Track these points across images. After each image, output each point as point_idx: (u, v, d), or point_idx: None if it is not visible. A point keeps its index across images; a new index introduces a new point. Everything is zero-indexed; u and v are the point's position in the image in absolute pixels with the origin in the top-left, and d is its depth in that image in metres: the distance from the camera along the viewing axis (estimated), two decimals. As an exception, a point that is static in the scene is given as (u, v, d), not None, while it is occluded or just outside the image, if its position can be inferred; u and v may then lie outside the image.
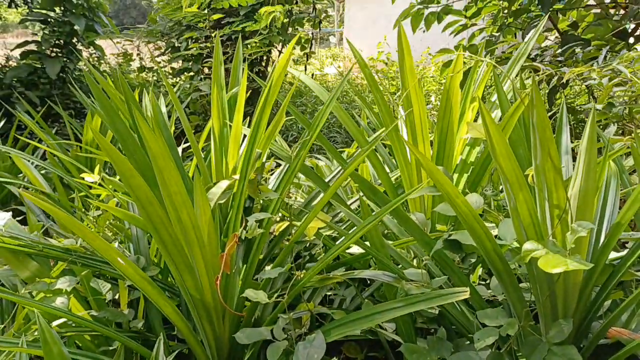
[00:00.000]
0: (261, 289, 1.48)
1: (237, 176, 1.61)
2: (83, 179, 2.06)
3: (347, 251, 1.73)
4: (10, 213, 1.58)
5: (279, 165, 2.44)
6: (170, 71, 5.06)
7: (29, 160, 2.83)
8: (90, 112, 3.13)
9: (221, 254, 1.31)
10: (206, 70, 4.69)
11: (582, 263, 0.95)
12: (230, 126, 1.98)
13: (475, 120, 1.65)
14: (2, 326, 1.42)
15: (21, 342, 1.28)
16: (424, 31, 4.47)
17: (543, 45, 3.75)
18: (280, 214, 1.61)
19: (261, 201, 1.75)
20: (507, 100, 1.52)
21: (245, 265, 1.48)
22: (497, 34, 4.14)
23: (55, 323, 1.41)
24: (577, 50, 2.53)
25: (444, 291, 1.16)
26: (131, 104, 1.63)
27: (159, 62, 5.16)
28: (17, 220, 2.12)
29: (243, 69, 2.19)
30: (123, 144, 1.50)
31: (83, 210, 2.04)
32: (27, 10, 6.10)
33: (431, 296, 1.15)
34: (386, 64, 7.56)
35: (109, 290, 1.76)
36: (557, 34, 3.57)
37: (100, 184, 2.15)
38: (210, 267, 1.36)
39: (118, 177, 2.58)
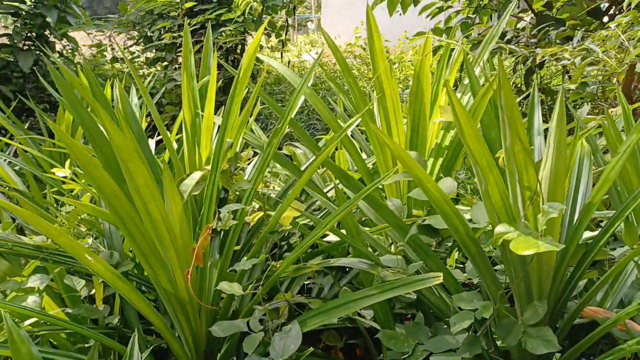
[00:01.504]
0: (237, 280, 1.47)
1: (209, 167, 1.59)
2: (54, 174, 2.01)
3: (325, 239, 1.72)
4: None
5: (257, 154, 2.42)
6: (144, 61, 4.98)
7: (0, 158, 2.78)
8: (62, 106, 3.07)
9: (192, 246, 1.29)
10: (180, 60, 4.62)
11: (553, 244, 0.95)
12: (202, 116, 1.95)
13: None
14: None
15: (-10, 344, 1.25)
16: (400, 14, 4.44)
17: (520, 26, 3.75)
18: (256, 205, 1.60)
19: (237, 192, 1.73)
20: (478, 83, 1.51)
21: (220, 258, 1.46)
22: (473, 16, 4.13)
23: (27, 322, 1.38)
24: (550, 30, 2.53)
25: (418, 277, 1.15)
26: (94, 97, 1.59)
27: (133, 52, 5.08)
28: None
29: (217, 57, 2.16)
30: (90, 138, 1.46)
31: (55, 206, 2.00)
32: (-3, 3, 5.95)
33: (406, 282, 1.15)
34: (364, 49, 7.53)
35: (83, 286, 1.73)
36: (532, 15, 3.57)
37: (72, 179, 2.11)
38: (183, 261, 1.34)
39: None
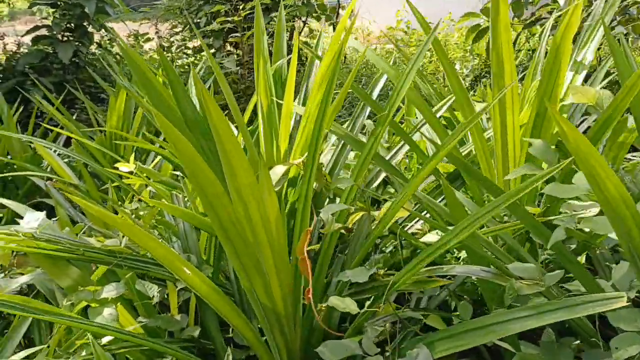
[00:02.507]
0: (337, 293, 1.29)
1: (298, 160, 1.41)
2: (116, 168, 1.86)
3: (423, 240, 1.53)
4: (44, 213, 1.39)
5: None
6: (192, 50, 4.82)
7: (51, 149, 2.65)
8: (114, 96, 2.92)
9: (302, 257, 1.11)
10: (228, 47, 4.44)
11: None
12: (279, 104, 1.77)
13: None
14: (45, 347, 1.24)
15: (70, 366, 1.10)
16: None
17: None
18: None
19: (322, 189, 1.55)
20: (629, 64, 1.28)
21: (315, 265, 1.29)
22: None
23: (104, 340, 1.23)
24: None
25: (592, 297, 0.94)
26: (172, 85, 1.42)
27: (180, 40, 4.92)
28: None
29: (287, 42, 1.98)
30: (166, 129, 1.29)
31: (119, 203, 1.85)
32: (35, -4, 5.86)
33: (572, 303, 0.94)
34: (406, 32, 7.27)
35: (157, 292, 1.58)
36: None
37: (132, 173, 1.96)
38: (281, 271, 1.16)
39: (152, 165, 2.38)
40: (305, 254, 1.10)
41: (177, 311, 1.60)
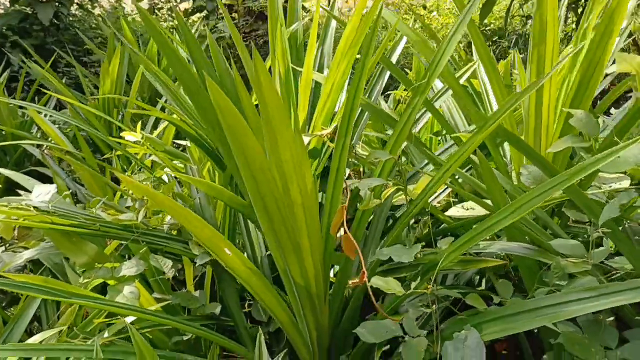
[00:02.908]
0: (372, 272, 1.23)
1: (327, 130, 1.34)
2: (122, 137, 1.76)
3: (448, 213, 1.48)
4: (55, 186, 1.30)
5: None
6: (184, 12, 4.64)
7: (42, 114, 2.52)
8: (107, 60, 2.79)
9: (344, 234, 1.05)
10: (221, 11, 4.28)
11: None
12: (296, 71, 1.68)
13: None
14: (64, 328, 1.16)
15: (95, 351, 1.03)
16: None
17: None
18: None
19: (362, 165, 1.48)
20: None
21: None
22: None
23: (128, 320, 1.16)
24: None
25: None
26: (193, 49, 1.32)
27: (165, 1, 4.74)
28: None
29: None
30: (194, 96, 1.20)
31: (128, 173, 1.76)
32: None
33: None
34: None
35: (171, 267, 1.52)
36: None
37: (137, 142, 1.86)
38: (315, 249, 1.10)
39: (156, 134, 2.28)
40: (348, 232, 1.04)
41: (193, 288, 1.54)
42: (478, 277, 1.45)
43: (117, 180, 2.44)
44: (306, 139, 1.44)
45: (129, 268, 1.24)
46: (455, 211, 1.48)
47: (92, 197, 1.85)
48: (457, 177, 1.51)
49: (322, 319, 1.22)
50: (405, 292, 1.01)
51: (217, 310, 1.38)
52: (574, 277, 1.11)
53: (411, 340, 1.04)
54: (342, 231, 1.12)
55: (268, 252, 1.52)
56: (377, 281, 1.04)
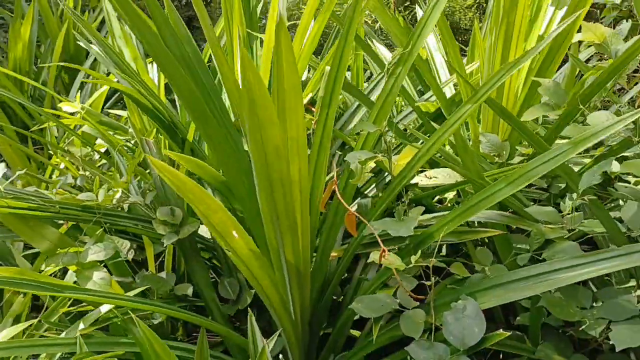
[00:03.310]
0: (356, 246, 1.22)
1: (304, 100, 1.29)
2: (60, 109, 1.61)
3: (415, 181, 1.49)
4: (3, 164, 1.16)
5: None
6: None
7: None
8: (18, 22, 2.51)
9: (348, 214, 1.02)
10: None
11: None
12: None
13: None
14: (35, 321, 1.05)
15: (79, 344, 0.95)
16: None
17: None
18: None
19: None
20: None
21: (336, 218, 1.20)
22: None
23: (103, 309, 1.07)
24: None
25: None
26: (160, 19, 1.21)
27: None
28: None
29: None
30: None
31: (61, 149, 1.59)
32: None
33: (631, 250, 0.94)
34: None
35: (129, 249, 1.42)
36: None
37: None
38: (306, 227, 1.07)
39: (89, 104, 2.10)
40: (350, 208, 1.02)
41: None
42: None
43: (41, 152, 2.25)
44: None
45: (96, 253, 1.15)
46: (419, 180, 1.49)
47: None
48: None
49: (306, 295, 1.20)
50: (406, 267, 1.01)
51: (189, 290, 1.32)
52: (552, 242, 1.16)
53: (408, 313, 1.05)
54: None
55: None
56: (377, 257, 1.03)
